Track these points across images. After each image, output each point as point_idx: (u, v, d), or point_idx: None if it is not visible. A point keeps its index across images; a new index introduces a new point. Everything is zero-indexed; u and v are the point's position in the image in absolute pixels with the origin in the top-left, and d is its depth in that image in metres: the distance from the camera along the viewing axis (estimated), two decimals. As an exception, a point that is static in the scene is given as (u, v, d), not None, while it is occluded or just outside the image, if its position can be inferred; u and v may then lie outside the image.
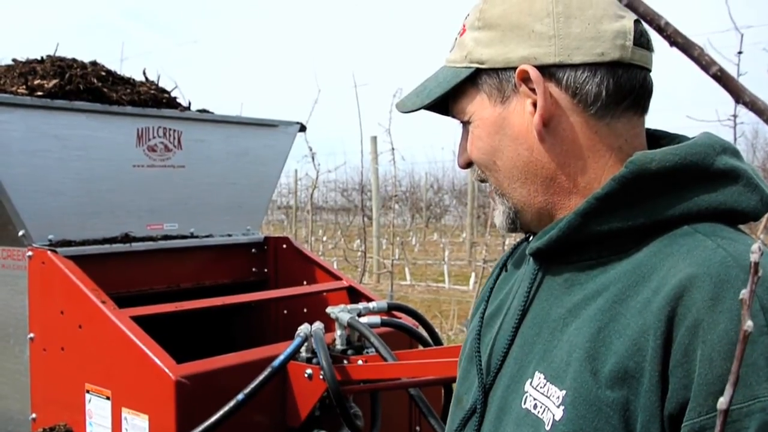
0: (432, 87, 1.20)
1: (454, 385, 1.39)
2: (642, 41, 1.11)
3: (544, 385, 1.05)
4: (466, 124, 1.20)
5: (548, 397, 1.03)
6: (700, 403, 0.89)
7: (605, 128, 1.11)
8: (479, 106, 1.16)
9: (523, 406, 1.08)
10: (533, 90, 1.10)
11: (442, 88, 1.18)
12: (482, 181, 1.23)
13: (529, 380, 1.09)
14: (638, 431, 0.94)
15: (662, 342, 0.93)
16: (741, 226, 1.09)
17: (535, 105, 1.10)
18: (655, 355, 0.93)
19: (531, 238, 1.23)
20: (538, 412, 1.04)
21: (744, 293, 0.53)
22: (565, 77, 1.09)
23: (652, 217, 1.04)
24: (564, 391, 1.01)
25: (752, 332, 0.88)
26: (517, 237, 1.44)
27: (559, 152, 1.12)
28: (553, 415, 1.01)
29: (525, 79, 1.10)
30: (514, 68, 1.11)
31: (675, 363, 0.92)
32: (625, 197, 1.05)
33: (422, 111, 1.24)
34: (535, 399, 1.06)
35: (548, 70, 1.09)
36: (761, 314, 0.90)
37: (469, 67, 1.15)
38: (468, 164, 1.24)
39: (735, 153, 1.09)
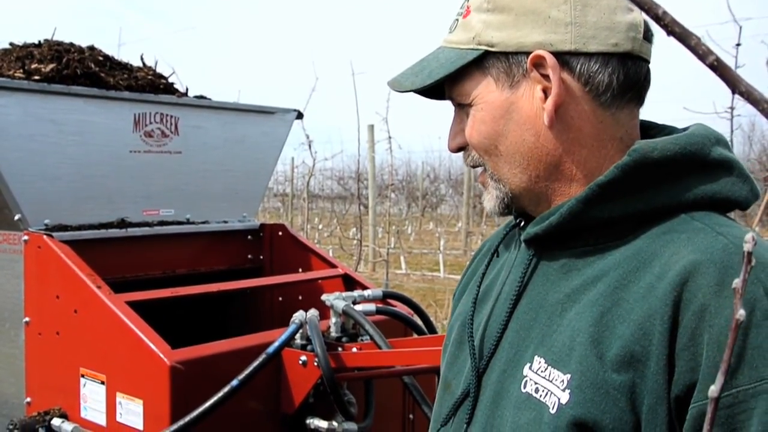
0: (433, 67, 1.18)
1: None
2: (648, 35, 1.13)
3: (546, 369, 1.06)
4: (465, 106, 1.18)
5: (551, 381, 1.04)
6: (709, 386, 0.91)
7: (610, 118, 1.13)
8: (484, 89, 1.15)
9: (523, 390, 1.09)
10: (545, 76, 1.10)
11: (445, 69, 1.16)
12: (475, 166, 1.22)
13: (528, 364, 1.09)
14: (645, 413, 0.96)
15: (669, 326, 0.95)
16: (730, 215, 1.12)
17: (544, 91, 1.11)
18: (661, 339, 0.95)
19: (522, 223, 1.24)
20: (540, 395, 1.05)
21: (737, 282, 0.53)
22: (579, 65, 1.10)
23: (651, 205, 1.07)
24: (569, 375, 1.02)
25: (757, 316, 0.91)
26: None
27: (565, 139, 1.12)
28: (558, 399, 1.02)
29: (537, 64, 1.10)
30: (526, 53, 1.10)
31: (681, 346, 0.95)
32: (626, 185, 1.07)
33: (414, 95, 1.25)
34: (536, 383, 1.07)
35: (562, 58, 1.10)
36: (766, 299, 0.93)
37: (477, 50, 1.13)
38: (460, 148, 1.23)
39: (726, 144, 1.12)
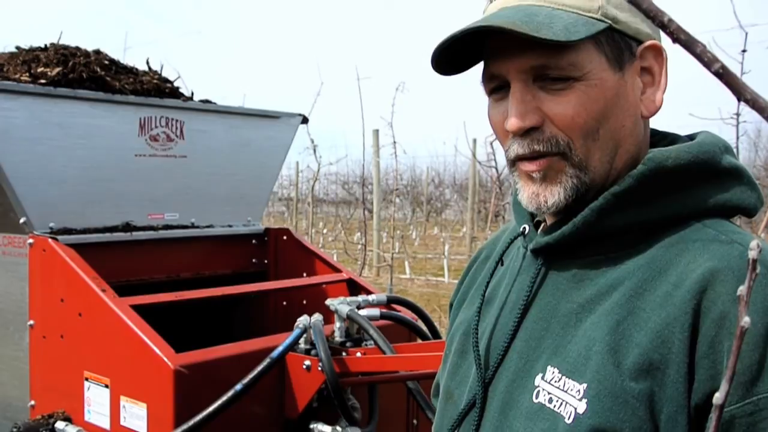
0: (564, 24, 1.04)
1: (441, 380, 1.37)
2: None
3: (560, 379, 1.05)
4: (565, 81, 1.07)
5: (565, 392, 1.03)
6: (730, 393, 0.91)
7: (649, 124, 1.16)
8: (598, 65, 1.07)
9: (536, 401, 1.07)
10: (643, 69, 1.11)
11: (585, 30, 1.04)
12: (539, 152, 1.09)
13: (540, 374, 1.08)
14: (664, 422, 0.96)
15: (689, 334, 0.95)
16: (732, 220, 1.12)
17: (641, 82, 1.11)
18: (681, 347, 0.95)
19: (527, 232, 1.22)
20: (554, 406, 1.04)
21: (741, 289, 0.53)
22: None
23: (664, 214, 1.07)
24: (585, 384, 1.01)
25: None
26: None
27: (645, 133, 1.14)
28: (575, 409, 1.01)
29: (642, 56, 1.10)
30: (637, 40, 1.10)
31: (701, 355, 0.95)
32: (641, 194, 1.07)
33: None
34: (549, 393, 1.06)
35: None
36: None
37: (603, 21, 1.07)
38: (532, 127, 1.09)
39: (733, 152, 1.13)
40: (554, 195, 1.10)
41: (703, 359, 0.94)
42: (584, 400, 1.01)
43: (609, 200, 1.07)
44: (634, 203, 1.07)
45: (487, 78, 1.14)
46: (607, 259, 1.09)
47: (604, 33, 1.07)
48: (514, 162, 1.14)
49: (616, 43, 1.08)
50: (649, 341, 0.98)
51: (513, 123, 1.09)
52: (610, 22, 1.07)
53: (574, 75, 1.06)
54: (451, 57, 1.14)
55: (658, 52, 1.10)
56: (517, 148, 1.11)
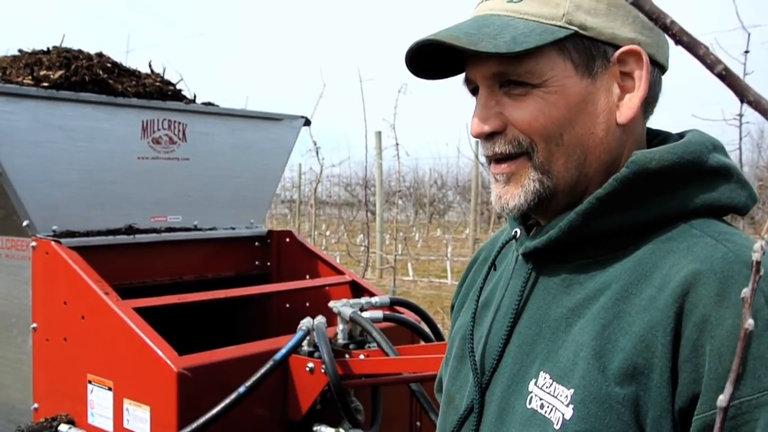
0: (515, 35, 1.06)
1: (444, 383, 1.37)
2: None
3: (551, 384, 1.05)
4: (524, 87, 1.09)
5: (555, 397, 1.03)
6: (711, 397, 0.91)
7: (643, 127, 1.15)
8: (561, 72, 1.08)
9: (529, 407, 1.08)
10: (624, 74, 1.09)
11: (536, 40, 1.05)
12: (502, 155, 1.12)
13: (534, 380, 1.09)
14: (649, 426, 0.96)
15: (671, 338, 0.95)
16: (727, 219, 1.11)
17: (620, 88, 1.10)
18: (664, 351, 0.95)
19: (518, 235, 1.22)
20: (545, 411, 1.04)
21: (746, 292, 0.53)
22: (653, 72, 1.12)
23: (650, 216, 1.06)
24: (572, 390, 1.01)
25: (758, 326, 0.91)
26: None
27: (624, 140, 1.12)
28: (563, 414, 1.01)
29: (621, 60, 1.09)
30: (613, 45, 1.08)
31: (684, 358, 0.94)
32: (625, 197, 1.06)
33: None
34: (541, 399, 1.06)
35: None
36: (766, 309, 0.92)
37: (567, 29, 1.07)
38: (495, 132, 1.12)
39: (723, 150, 1.12)
40: (515, 198, 1.12)
41: (685, 363, 0.94)
42: (571, 406, 1.01)
43: (593, 204, 1.07)
44: (619, 206, 1.06)
45: (465, 81, 1.18)
46: (595, 262, 1.09)
47: (571, 39, 1.07)
48: (489, 162, 1.17)
49: (585, 49, 1.08)
50: (633, 346, 0.97)
51: (473, 127, 1.14)
52: (575, 28, 1.07)
53: (533, 82, 1.08)
54: (439, 61, 1.16)
55: (638, 56, 1.08)
56: (483, 150, 1.16)
